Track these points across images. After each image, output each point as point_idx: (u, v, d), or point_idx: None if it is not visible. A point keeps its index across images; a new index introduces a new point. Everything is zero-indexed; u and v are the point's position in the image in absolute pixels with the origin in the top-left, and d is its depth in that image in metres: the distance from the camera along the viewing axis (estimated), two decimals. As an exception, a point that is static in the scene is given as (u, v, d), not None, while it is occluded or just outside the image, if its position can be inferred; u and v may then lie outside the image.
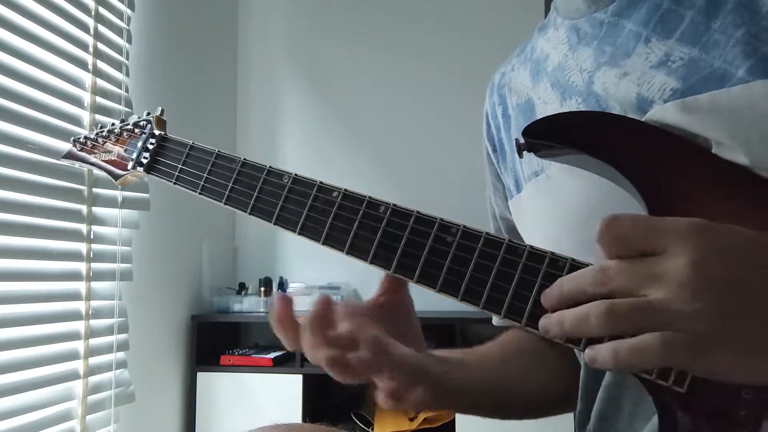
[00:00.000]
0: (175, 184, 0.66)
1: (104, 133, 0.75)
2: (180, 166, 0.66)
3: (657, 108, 0.52)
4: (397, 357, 0.54)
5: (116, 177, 0.73)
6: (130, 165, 0.71)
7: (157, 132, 0.70)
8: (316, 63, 2.56)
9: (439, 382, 0.58)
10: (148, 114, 0.73)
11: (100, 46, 1.68)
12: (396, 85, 2.49)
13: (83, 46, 1.62)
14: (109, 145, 0.74)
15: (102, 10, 1.70)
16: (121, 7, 1.79)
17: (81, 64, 1.61)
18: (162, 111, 0.73)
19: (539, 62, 0.68)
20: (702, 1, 0.54)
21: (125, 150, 0.72)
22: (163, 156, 0.68)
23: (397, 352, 0.54)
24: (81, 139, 0.77)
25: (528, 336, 0.72)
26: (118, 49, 1.77)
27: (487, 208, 0.81)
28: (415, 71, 2.47)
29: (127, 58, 1.80)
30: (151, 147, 0.69)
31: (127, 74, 1.79)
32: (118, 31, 1.77)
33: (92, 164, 0.76)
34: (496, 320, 0.77)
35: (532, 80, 0.68)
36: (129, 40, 1.81)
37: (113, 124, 0.75)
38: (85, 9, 1.64)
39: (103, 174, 0.75)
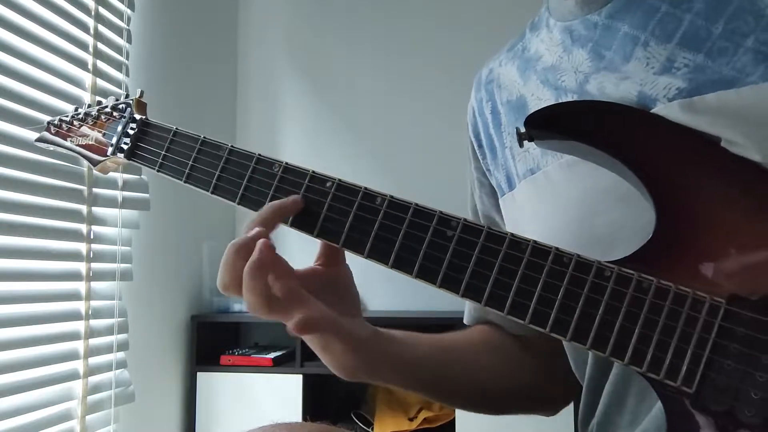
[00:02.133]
0: (158, 171, 0.62)
1: (80, 116, 0.71)
2: (163, 152, 0.62)
3: (661, 106, 0.51)
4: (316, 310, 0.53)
5: (95, 163, 0.69)
6: (109, 151, 0.67)
7: (137, 116, 0.66)
8: (316, 62, 2.56)
9: (366, 345, 0.57)
10: (127, 96, 0.68)
11: (100, 46, 1.68)
12: (395, 82, 2.48)
13: (83, 46, 1.62)
14: (86, 129, 0.70)
15: (102, 10, 1.69)
16: (121, 7, 1.79)
17: (81, 64, 1.61)
18: (141, 93, 0.68)
19: (530, 61, 0.67)
20: (701, 4, 0.53)
21: (104, 135, 0.68)
22: (145, 142, 0.64)
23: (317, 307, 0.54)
24: (56, 122, 0.73)
25: (495, 331, 0.71)
26: (118, 49, 1.77)
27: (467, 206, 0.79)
28: (413, 68, 2.47)
29: (127, 58, 1.79)
30: (131, 132, 0.65)
31: (127, 74, 1.79)
32: (118, 31, 1.77)
33: (68, 148, 0.71)
34: (468, 319, 0.76)
35: (521, 77, 0.67)
36: (129, 40, 1.81)
37: (89, 106, 0.71)
38: (85, 9, 1.63)
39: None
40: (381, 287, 2.10)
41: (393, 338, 0.61)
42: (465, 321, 0.76)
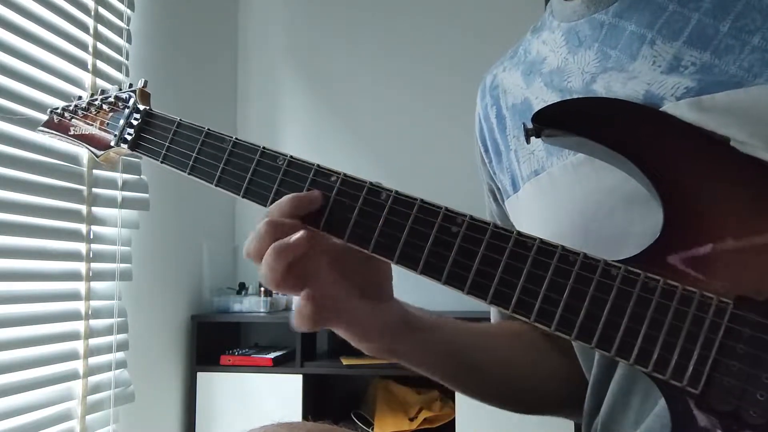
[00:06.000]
0: (162, 162, 0.61)
1: (83, 105, 0.69)
2: (167, 144, 0.61)
3: (669, 105, 0.51)
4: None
5: (98, 154, 0.67)
6: (113, 141, 0.65)
7: (141, 107, 0.65)
8: (316, 62, 2.56)
9: (396, 329, 0.58)
10: (131, 86, 0.67)
11: (100, 46, 1.68)
12: (395, 81, 2.48)
13: (83, 46, 1.62)
14: (89, 119, 0.68)
15: (102, 10, 1.69)
16: (121, 7, 1.79)
17: (81, 64, 1.61)
18: (145, 83, 0.67)
19: (534, 64, 0.66)
20: (708, 3, 0.53)
21: (107, 125, 0.66)
22: (149, 133, 0.63)
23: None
24: (58, 111, 0.71)
25: (527, 327, 0.70)
26: (118, 49, 1.76)
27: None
28: (413, 67, 2.47)
29: (127, 58, 1.79)
30: (135, 123, 0.64)
31: (127, 74, 1.79)
32: (118, 31, 1.77)
33: (71, 138, 0.70)
34: (494, 317, 0.76)
35: (524, 80, 0.67)
36: (129, 40, 1.80)
37: (93, 96, 0.69)
38: (85, 9, 1.63)
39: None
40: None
41: (420, 326, 0.61)
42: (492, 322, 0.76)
